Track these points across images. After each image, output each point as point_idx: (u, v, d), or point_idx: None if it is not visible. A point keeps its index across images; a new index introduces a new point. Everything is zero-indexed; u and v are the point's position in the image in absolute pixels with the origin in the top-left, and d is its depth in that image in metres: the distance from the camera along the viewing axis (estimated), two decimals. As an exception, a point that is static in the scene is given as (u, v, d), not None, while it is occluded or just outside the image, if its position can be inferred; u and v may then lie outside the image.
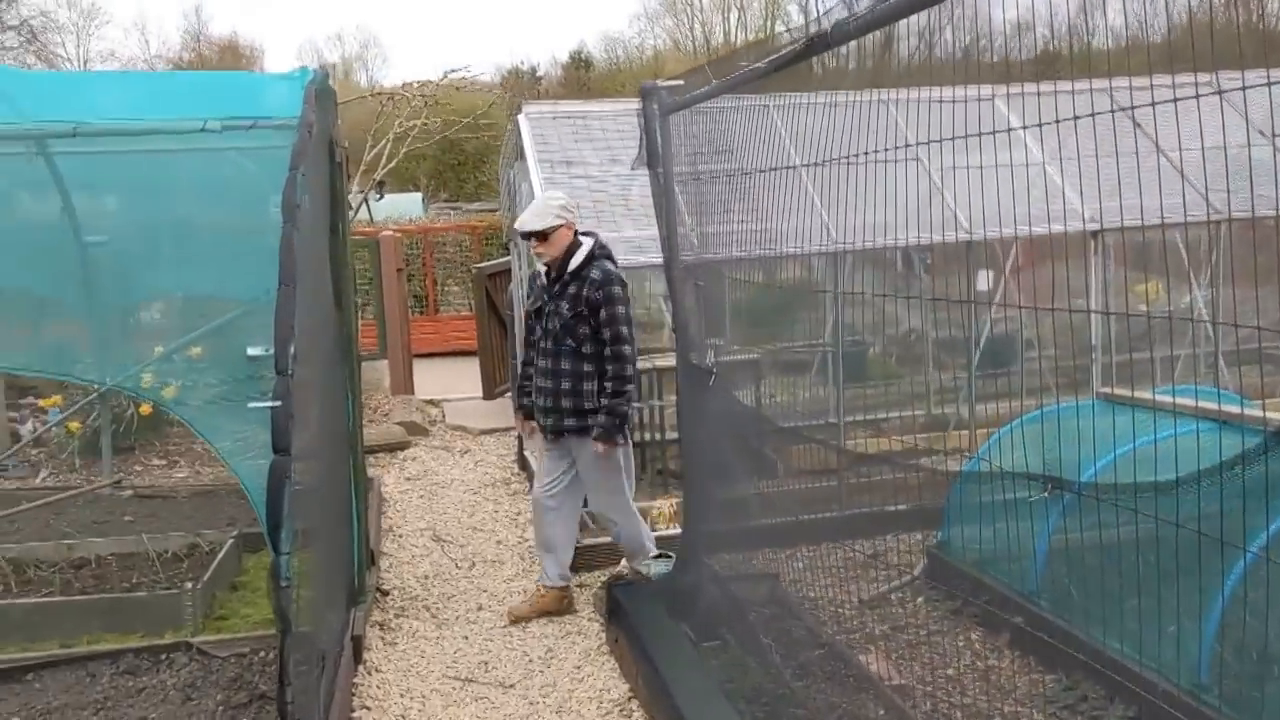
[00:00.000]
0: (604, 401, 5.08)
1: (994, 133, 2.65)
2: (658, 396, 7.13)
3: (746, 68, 3.69)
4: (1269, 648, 3.40)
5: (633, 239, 6.57)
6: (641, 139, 4.78)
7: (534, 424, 5.37)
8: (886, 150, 3.06)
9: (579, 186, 6.58)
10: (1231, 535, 2.98)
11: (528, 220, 5.09)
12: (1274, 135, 5.73)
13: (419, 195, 25.92)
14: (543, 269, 5.19)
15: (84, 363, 6.94)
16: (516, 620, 5.28)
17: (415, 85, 12.08)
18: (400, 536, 6.77)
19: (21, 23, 28.42)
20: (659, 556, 5.44)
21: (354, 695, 4.44)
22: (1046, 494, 3.74)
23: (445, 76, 11.97)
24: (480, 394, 10.19)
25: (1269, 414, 4.15)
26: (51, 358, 7.02)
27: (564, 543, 5.39)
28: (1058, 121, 2.41)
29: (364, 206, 12.08)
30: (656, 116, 4.69)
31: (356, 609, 5.00)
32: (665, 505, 6.25)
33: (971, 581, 4.83)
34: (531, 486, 6.28)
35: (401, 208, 21.12)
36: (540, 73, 44.07)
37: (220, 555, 5.46)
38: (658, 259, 5.19)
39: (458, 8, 73.14)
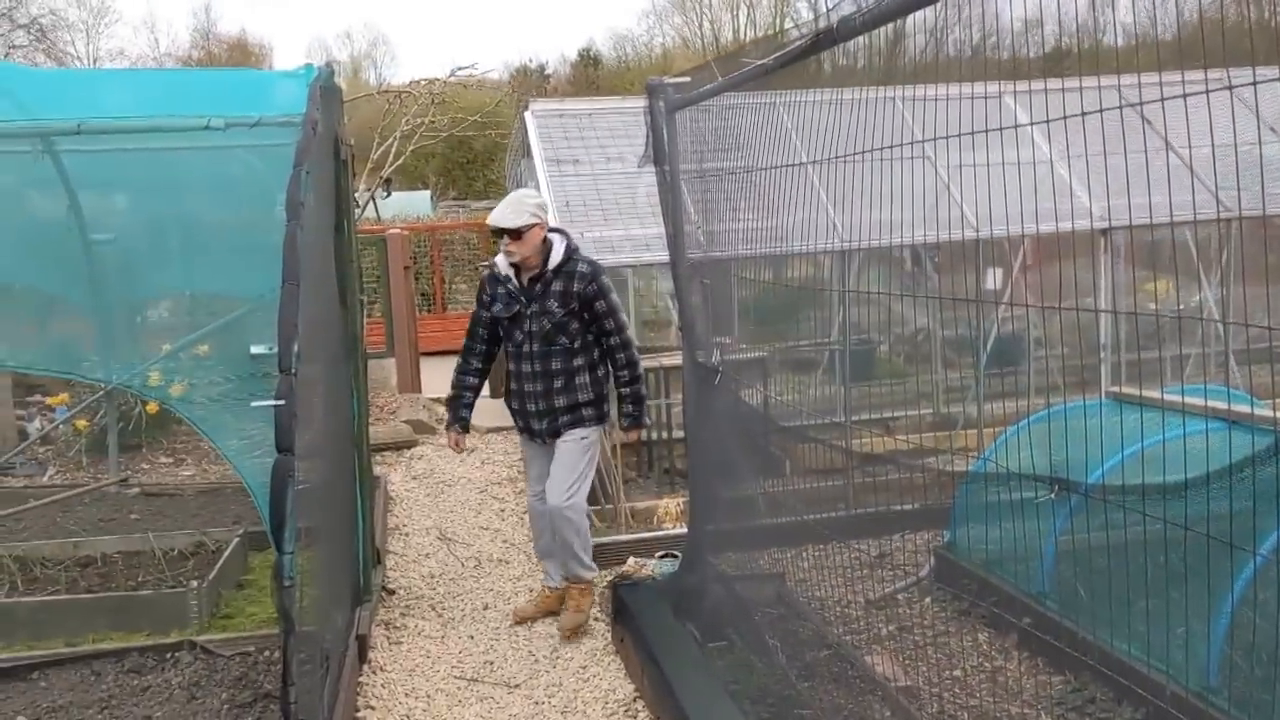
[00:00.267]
0: (624, 390, 5.13)
1: (1001, 129, 2.62)
2: (664, 395, 7.12)
3: (753, 65, 3.67)
4: (1279, 650, 3.37)
5: (639, 236, 6.56)
6: (648, 136, 4.76)
7: (465, 439, 5.30)
8: (895, 147, 3.04)
9: (585, 184, 6.56)
10: (1241, 537, 2.95)
11: (504, 217, 4.93)
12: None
13: (427, 193, 25.97)
14: (508, 273, 5.02)
15: (90, 361, 6.95)
16: (521, 620, 5.25)
17: (423, 83, 12.07)
18: (406, 535, 6.76)
19: (31, 21, 28.51)
20: (664, 556, 5.43)
21: (359, 695, 4.43)
22: (1053, 496, 3.71)
23: (452, 74, 11.97)
24: (488, 393, 10.17)
25: (1280, 414, 4.12)
26: (58, 356, 7.04)
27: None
28: (1065, 119, 2.38)
29: (371, 204, 12.08)
30: (663, 114, 4.67)
31: (362, 608, 4.99)
32: (671, 504, 6.23)
33: (979, 582, 4.80)
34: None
35: (410, 205, 21.15)
36: (549, 70, 44.11)
37: (226, 554, 5.45)
38: (664, 256, 5.16)
39: (467, 6, 73.22)
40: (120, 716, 4.16)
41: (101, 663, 4.54)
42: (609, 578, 5.56)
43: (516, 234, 4.89)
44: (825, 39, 3.01)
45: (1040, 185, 5.70)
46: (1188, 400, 4.38)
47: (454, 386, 5.31)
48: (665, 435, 7.19)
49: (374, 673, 4.68)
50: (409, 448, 9.03)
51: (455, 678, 4.68)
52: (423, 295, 14.38)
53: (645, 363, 7.18)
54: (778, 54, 3.38)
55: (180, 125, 4.36)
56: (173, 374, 6.57)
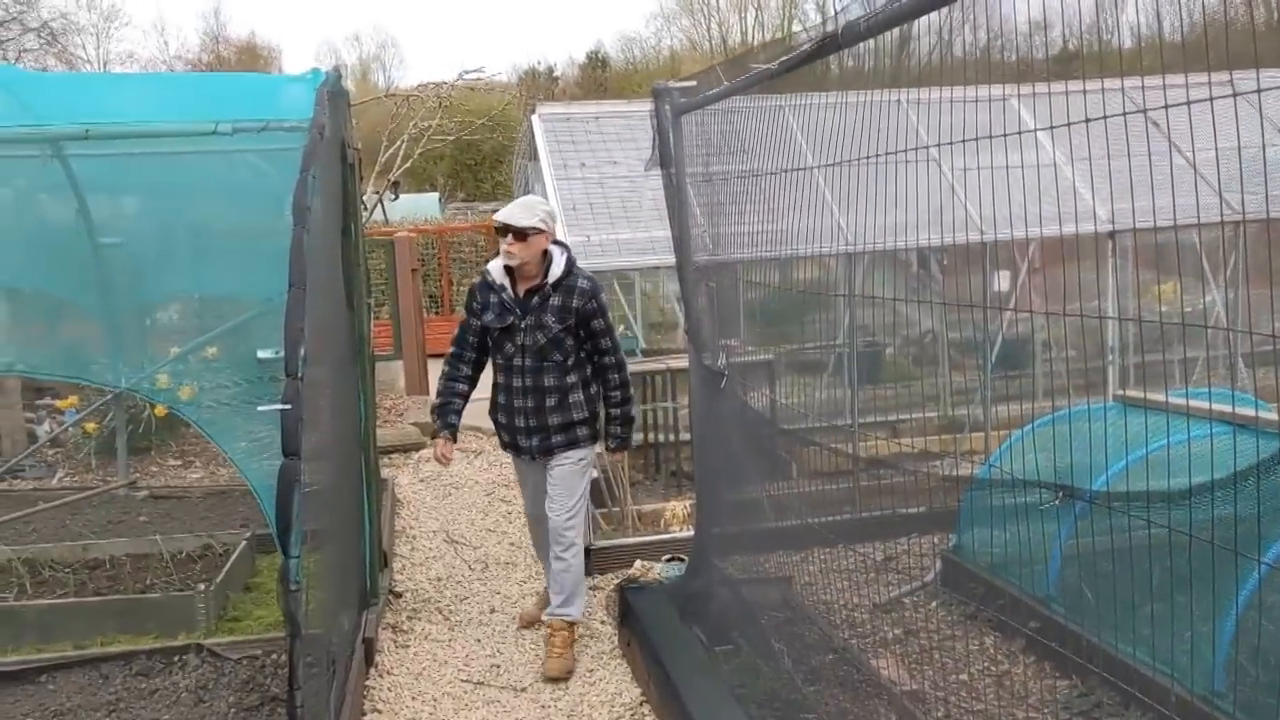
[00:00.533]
0: (614, 411, 4.96)
1: (1005, 135, 2.62)
2: (670, 398, 7.12)
3: (758, 69, 3.67)
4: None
5: (645, 239, 6.56)
6: (654, 140, 4.77)
7: (452, 447, 5.02)
8: (902, 151, 3.04)
9: (592, 187, 6.57)
10: (1247, 542, 2.94)
11: (513, 214, 4.74)
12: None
13: (435, 195, 26.00)
14: (503, 281, 4.82)
15: (99, 364, 6.97)
16: (528, 624, 5.24)
17: (431, 86, 12.10)
18: (413, 538, 6.77)
19: (42, 25, 28.57)
20: (671, 559, 5.43)
21: (365, 698, 4.44)
22: (1058, 502, 3.71)
23: (460, 77, 11.99)
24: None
25: (1287, 417, 4.10)
26: (67, 359, 7.05)
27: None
28: (1069, 124, 2.38)
29: (379, 207, 12.11)
30: (669, 117, 4.67)
31: (369, 611, 5.00)
32: (678, 507, 6.23)
33: (985, 586, 4.80)
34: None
35: (418, 208, 21.18)
36: (557, 73, 44.18)
37: (233, 557, 5.47)
38: (670, 259, 5.16)
39: (475, 8, 73.36)
40: (128, 719, 4.18)
41: (109, 665, 4.55)
42: (615, 581, 5.56)
43: (522, 235, 4.70)
44: (829, 44, 3.01)
45: (1046, 188, 5.69)
46: (1193, 404, 4.38)
47: (441, 394, 5.05)
48: (672, 438, 7.19)
49: (380, 676, 4.68)
50: (416, 450, 9.04)
51: (462, 681, 4.69)
52: (430, 297, 14.42)
53: (651, 365, 7.21)
54: (782, 59, 3.38)
55: (187, 130, 4.39)
56: (181, 377, 6.59)
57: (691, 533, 5.53)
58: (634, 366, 6.70)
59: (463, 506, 7.44)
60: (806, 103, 3.51)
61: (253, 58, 44.23)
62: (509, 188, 23.03)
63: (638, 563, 5.64)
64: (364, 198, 9.03)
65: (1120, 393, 5.32)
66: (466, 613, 5.50)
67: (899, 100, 3.10)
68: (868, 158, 3.09)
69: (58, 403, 9.04)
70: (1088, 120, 2.35)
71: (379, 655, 4.85)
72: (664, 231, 5.22)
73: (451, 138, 13.18)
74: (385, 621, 5.24)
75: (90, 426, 8.36)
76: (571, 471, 4.87)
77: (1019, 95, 3.10)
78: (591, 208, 6.38)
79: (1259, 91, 1.91)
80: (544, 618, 5.01)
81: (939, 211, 5.40)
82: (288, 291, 3.41)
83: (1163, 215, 2.41)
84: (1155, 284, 7.73)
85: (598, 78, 42.36)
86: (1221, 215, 6.66)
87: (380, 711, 4.38)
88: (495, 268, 4.88)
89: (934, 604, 5.01)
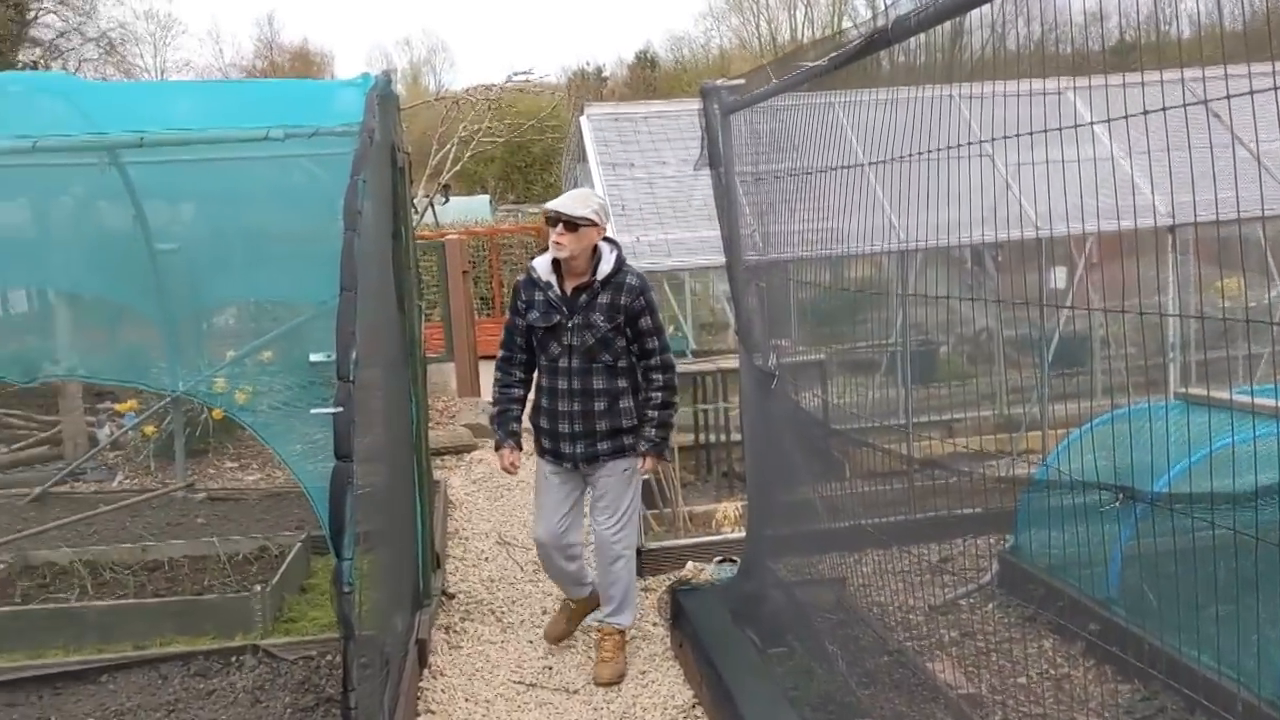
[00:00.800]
0: (652, 413, 4.67)
1: (1061, 129, 2.56)
2: (721, 398, 7.09)
3: (807, 66, 3.64)
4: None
5: (695, 239, 6.53)
6: (703, 139, 4.74)
7: (519, 455, 4.85)
8: (955, 147, 2.99)
9: (641, 187, 6.55)
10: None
11: (566, 203, 4.56)
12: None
13: (486, 198, 26.15)
14: (549, 279, 4.65)
15: (158, 368, 7.07)
16: (557, 639, 5.01)
17: (480, 89, 12.17)
18: (466, 539, 6.79)
19: (100, 35, 29.15)
20: (723, 561, 5.40)
21: (418, 699, 4.46)
22: (1118, 504, 3.63)
23: (509, 80, 12.05)
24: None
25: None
26: (126, 363, 7.16)
27: (586, 572, 4.98)
28: (1127, 117, 2.32)
29: (430, 210, 12.19)
30: (717, 116, 4.65)
31: (422, 612, 5.02)
32: (730, 508, 6.20)
33: (1044, 587, 4.72)
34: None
35: (469, 210, 21.32)
36: (606, 73, 44.25)
37: (289, 558, 5.53)
38: (720, 259, 5.13)
39: (524, 10, 73.70)
40: (186, 719, 4.23)
41: (168, 666, 4.61)
42: (667, 582, 5.54)
43: (572, 226, 4.50)
44: (879, 40, 2.97)
45: (1104, 182, 5.59)
46: (1258, 401, 4.27)
47: (498, 401, 4.86)
48: (723, 438, 7.16)
49: (434, 677, 4.70)
50: (468, 451, 9.08)
51: (514, 683, 4.69)
52: (481, 299, 14.50)
53: (702, 366, 7.19)
54: (832, 55, 3.35)
55: (240, 136, 4.43)
56: (237, 380, 6.67)
57: (743, 534, 5.50)
58: (684, 367, 6.70)
59: (515, 508, 7.46)
60: (857, 99, 3.47)
61: (305, 64, 44.83)
62: (559, 189, 23.09)
63: (689, 564, 5.62)
64: (415, 201, 9.09)
65: (1182, 391, 5.20)
66: (518, 614, 5.51)
67: (951, 95, 3.05)
68: (920, 154, 3.05)
69: (117, 406, 9.19)
70: (1146, 112, 2.30)
71: (432, 656, 4.87)
72: (713, 231, 5.20)
73: (501, 140, 13.25)
74: (438, 623, 5.26)
75: (149, 430, 8.50)
76: (618, 482, 4.70)
77: (1075, 88, 3.02)
78: (641, 208, 6.37)
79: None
80: (594, 623, 4.96)
81: (993, 207, 5.32)
82: (339, 295, 3.43)
83: (1225, 208, 2.34)
84: (1218, 279, 7.56)
85: (646, 78, 42.38)
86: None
87: (434, 712, 4.39)
88: (541, 264, 4.71)
89: (991, 606, 4.94)
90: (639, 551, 5.67)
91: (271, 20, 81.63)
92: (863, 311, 5.36)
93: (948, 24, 2.85)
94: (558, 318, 4.62)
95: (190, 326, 7.19)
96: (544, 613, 5.51)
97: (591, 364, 4.61)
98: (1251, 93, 1.93)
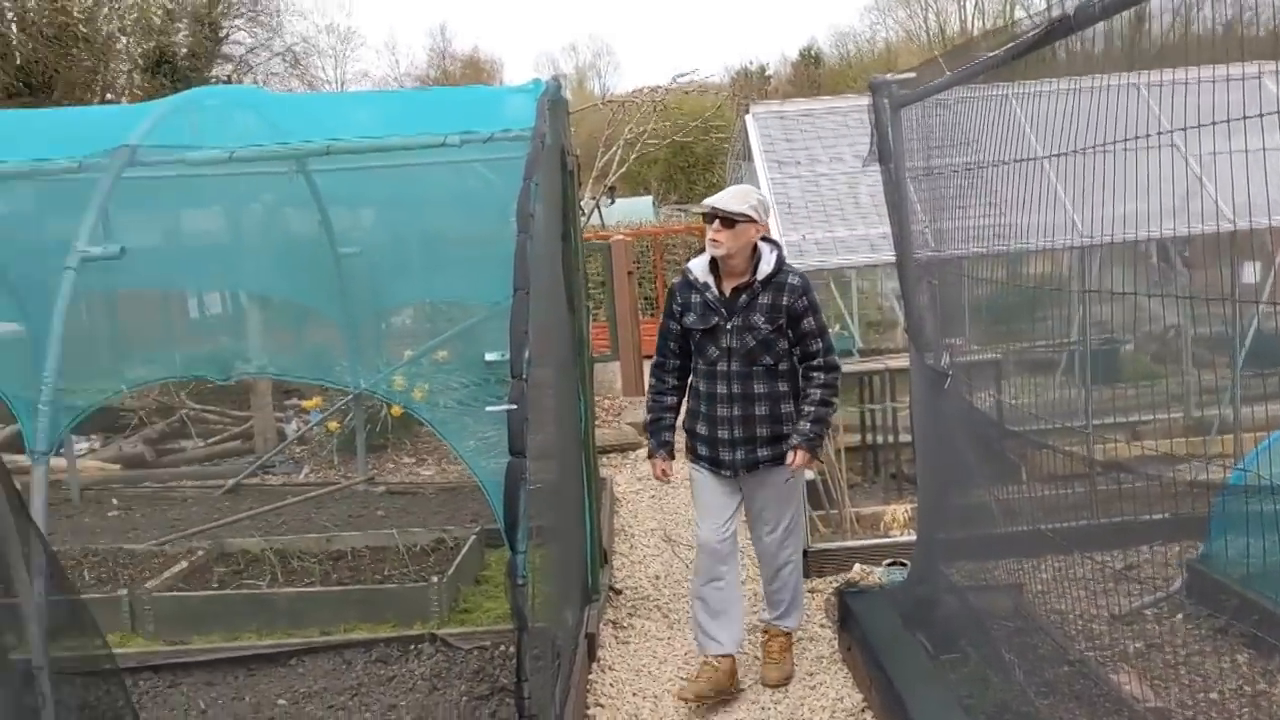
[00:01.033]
0: (809, 409, 4.46)
1: (1261, 115, 2.42)
2: (889, 398, 6.96)
3: (982, 58, 3.54)
4: None
5: (862, 237, 6.43)
6: (872, 134, 4.66)
7: (672, 465, 4.70)
8: (1139, 138, 2.86)
9: (807, 185, 6.50)
10: None
11: (724, 199, 4.43)
12: None
13: (649, 198, 26.37)
14: (706, 279, 4.52)
15: (341, 366, 7.42)
16: (698, 700, 4.46)
17: (645, 91, 12.29)
18: (632, 536, 6.87)
19: (286, 49, 30.67)
20: (893, 564, 5.30)
21: (588, 692, 4.54)
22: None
23: (674, 81, 12.12)
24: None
25: None
26: (312, 362, 7.53)
27: (739, 600, 4.72)
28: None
29: (596, 211, 12.38)
30: (887, 111, 4.56)
31: (590, 607, 5.10)
32: (899, 510, 6.08)
33: (1238, 599, 4.46)
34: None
35: (633, 211, 21.54)
36: (769, 71, 43.98)
37: (464, 550, 5.70)
38: (889, 257, 5.04)
39: (688, 11, 73.99)
40: (369, 703, 4.41)
41: (352, 652, 4.82)
42: (833, 584, 5.48)
43: (729, 222, 4.36)
44: (1060, 28, 2.86)
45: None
46: None
47: (651, 409, 4.72)
48: (891, 439, 7.03)
49: (603, 671, 4.78)
50: (633, 450, 9.18)
51: (682, 679, 4.72)
52: (645, 299, 14.61)
53: (869, 365, 7.07)
54: (1008, 46, 3.25)
55: (420, 143, 4.58)
56: (414, 379, 6.94)
57: (912, 537, 5.39)
58: (851, 367, 6.60)
59: (680, 505, 7.49)
60: (1034, 91, 3.36)
61: (476, 71, 46.09)
62: (722, 188, 23.05)
63: (856, 566, 5.53)
64: (582, 203, 9.24)
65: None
66: (685, 611, 5.53)
67: (1134, 84, 2.92)
68: (1101, 146, 2.93)
69: (303, 403, 9.67)
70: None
71: (601, 650, 4.94)
72: (881, 228, 5.11)
73: (666, 141, 13.34)
74: (606, 618, 5.34)
75: (333, 425, 8.91)
76: (781, 491, 4.56)
77: (1274, 72, 2.86)
78: (807, 206, 6.31)
79: None
80: (760, 623, 4.90)
81: (1182, 200, 5.07)
82: (512, 296, 3.51)
83: None
84: None
85: (811, 75, 41.93)
86: None
87: (603, 706, 4.46)
88: (697, 265, 4.60)
89: (1179, 616, 4.70)
90: (804, 553, 5.63)
91: (444, 30, 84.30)
92: (1041, 309, 5.17)
93: (1131, 10, 2.73)
94: (716, 320, 4.48)
95: (370, 327, 7.51)
96: (710, 611, 5.53)
97: (752, 367, 4.46)
98: None
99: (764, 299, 4.46)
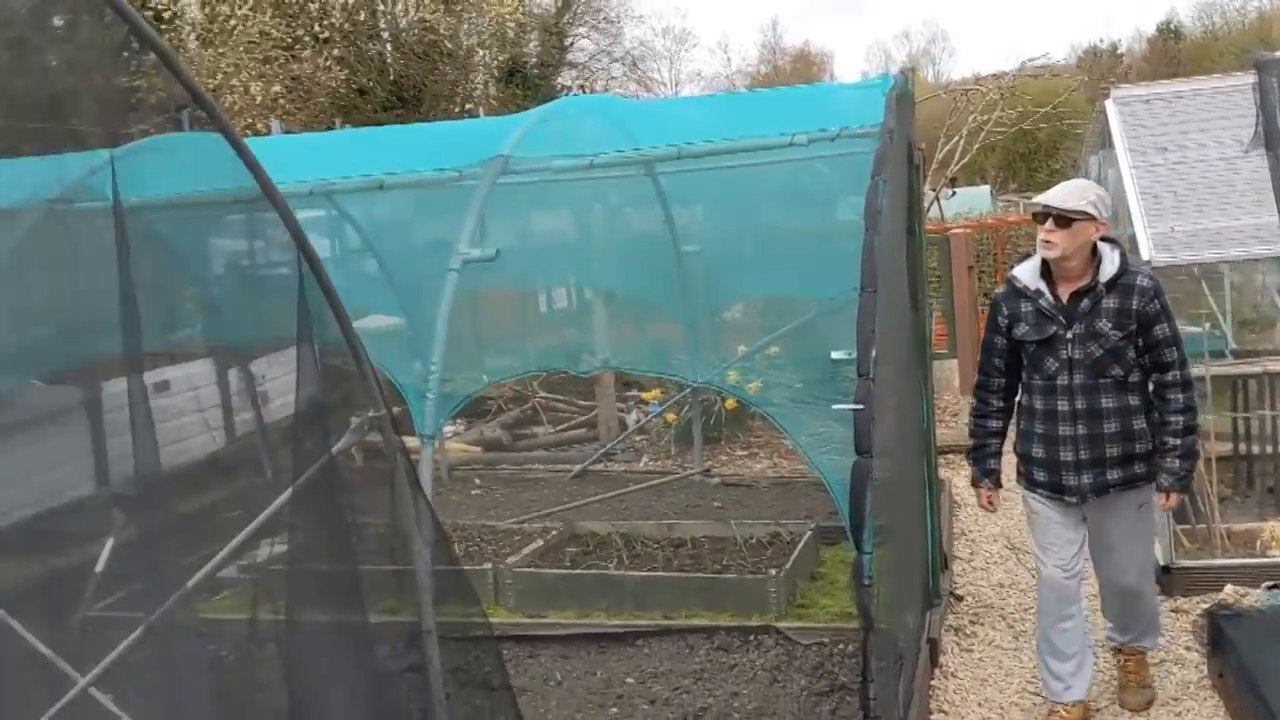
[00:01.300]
0: (1173, 441, 4.03)
1: None
2: (1268, 404, 6.34)
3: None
4: None
5: (1237, 228, 5.89)
6: (1257, 116, 4.28)
7: (998, 495, 4.41)
8: None
9: (1175, 173, 6.02)
10: None
11: (1058, 195, 4.06)
12: None
13: (986, 188, 25.36)
14: (1038, 286, 4.12)
15: (678, 360, 7.67)
16: None
17: (990, 79, 11.84)
18: (972, 541, 6.65)
19: (625, 54, 32.02)
20: (1274, 587, 4.83)
21: (930, 697, 4.45)
22: None
23: (1022, 66, 11.59)
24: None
25: None
26: (652, 356, 7.84)
27: (1089, 642, 4.38)
28: None
29: (935, 204, 12.07)
30: (1276, 91, 4.17)
31: (932, 612, 5.00)
32: (1278, 528, 5.54)
33: None
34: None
35: (970, 202, 20.82)
36: (1121, 49, 41.11)
37: (799, 545, 5.75)
38: (1271, 250, 4.60)
39: (1027, -10, 70.47)
40: (711, 689, 4.55)
41: (695, 637, 4.99)
42: (1201, 604, 5.07)
43: (1064, 221, 3.98)
44: None
45: None
46: None
47: (975, 433, 4.38)
48: (1270, 449, 6.40)
49: (945, 678, 4.67)
50: (972, 451, 8.87)
51: (1031, 693, 4.53)
52: (985, 295, 14.07)
53: (1244, 368, 6.47)
54: None
55: (768, 143, 4.65)
56: (748, 373, 7.07)
57: (1297, 557, 4.89)
58: (1222, 369, 6.09)
59: (1024, 512, 7.17)
60: None
61: (806, 65, 46.11)
62: (1065, 176, 21.81)
63: (1228, 587, 5.08)
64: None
65: None
66: (1031, 623, 5.28)
67: None
68: None
69: (643, 395, 10.07)
70: None
71: (943, 656, 4.84)
72: (1262, 218, 4.67)
73: (1011, 129, 12.78)
74: (947, 624, 5.21)
75: (670, 417, 9.23)
76: (1133, 520, 4.17)
77: None
78: (1175, 195, 5.84)
79: None
80: (1107, 640, 4.56)
81: None
82: (859, 293, 3.49)
83: None
84: None
85: (1169, 51, 38.77)
86: None
87: (945, 713, 4.37)
88: (1025, 271, 4.20)
89: None
90: (1166, 569, 5.25)
91: (775, 25, 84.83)
92: None
93: None
94: (1054, 329, 4.07)
95: (706, 322, 7.71)
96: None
97: (1098, 379, 4.04)
98: None
99: (1110, 303, 4.04)
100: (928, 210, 11.09)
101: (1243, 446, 6.53)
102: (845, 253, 5.38)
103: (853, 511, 3.31)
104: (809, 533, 5.96)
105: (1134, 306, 4.02)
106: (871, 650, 3.32)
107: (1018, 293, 4.19)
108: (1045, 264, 4.14)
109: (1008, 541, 6.57)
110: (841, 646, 4.74)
